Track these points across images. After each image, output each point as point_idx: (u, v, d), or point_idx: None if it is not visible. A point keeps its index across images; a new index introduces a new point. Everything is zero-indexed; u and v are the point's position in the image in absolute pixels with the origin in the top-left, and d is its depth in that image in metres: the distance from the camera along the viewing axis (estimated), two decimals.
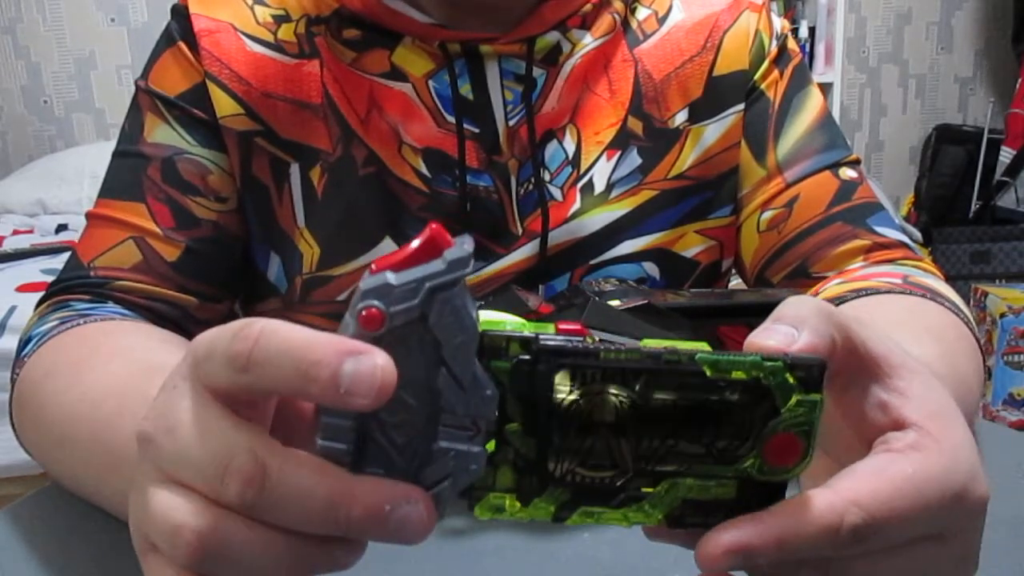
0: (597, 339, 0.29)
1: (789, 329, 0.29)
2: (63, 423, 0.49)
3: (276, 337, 0.26)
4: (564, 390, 0.28)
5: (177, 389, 0.28)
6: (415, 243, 0.27)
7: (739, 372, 0.28)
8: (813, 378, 0.28)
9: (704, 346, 0.29)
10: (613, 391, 0.28)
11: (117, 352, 0.52)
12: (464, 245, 0.27)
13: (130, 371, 0.48)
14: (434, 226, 0.27)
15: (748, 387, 0.28)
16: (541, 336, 0.27)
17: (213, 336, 0.27)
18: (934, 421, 0.30)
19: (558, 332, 0.28)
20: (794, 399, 0.28)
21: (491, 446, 0.28)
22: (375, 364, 0.25)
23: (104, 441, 0.45)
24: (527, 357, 0.27)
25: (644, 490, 0.29)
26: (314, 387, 0.25)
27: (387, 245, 0.66)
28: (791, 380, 0.28)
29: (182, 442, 0.27)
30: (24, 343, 0.59)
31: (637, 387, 0.28)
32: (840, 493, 0.28)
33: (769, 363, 0.28)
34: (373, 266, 0.27)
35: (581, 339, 0.28)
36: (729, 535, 0.28)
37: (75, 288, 0.64)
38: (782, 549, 0.28)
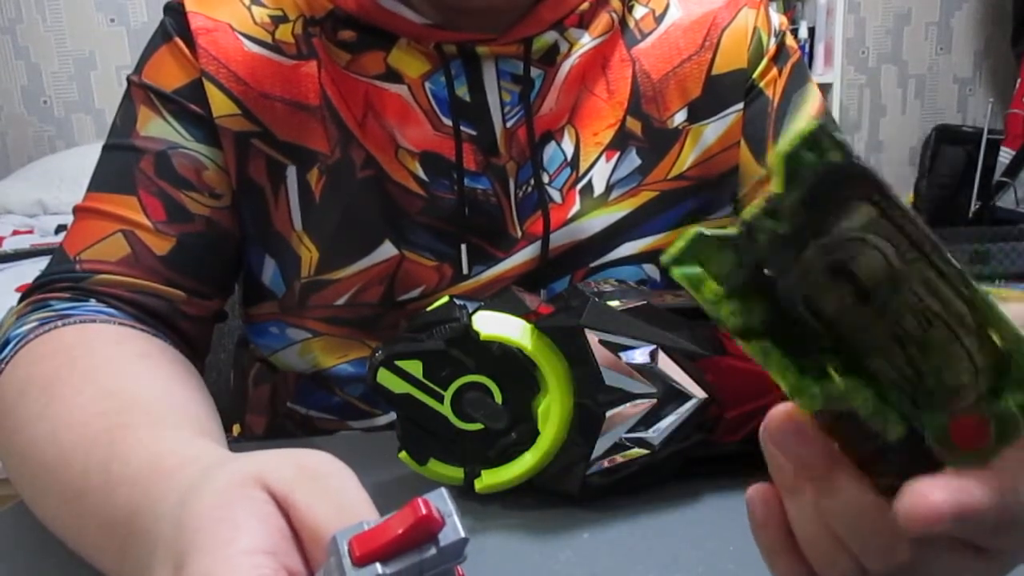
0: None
1: None
2: (32, 462, 0.48)
3: None
4: (852, 223, 0.25)
5: None
6: (402, 522, 0.25)
7: (996, 333, 0.24)
8: None
9: (997, 292, 0.26)
10: (885, 248, 0.25)
11: (88, 375, 0.51)
12: (452, 520, 0.25)
13: (96, 412, 0.47)
14: (421, 502, 0.25)
15: (992, 352, 0.24)
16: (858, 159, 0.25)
17: None
18: None
19: None
20: None
21: (737, 228, 0.26)
22: None
23: (72, 502, 0.44)
24: (842, 163, 0.24)
25: (829, 368, 0.26)
26: None
27: (386, 248, 0.66)
28: None
29: None
30: (3, 345, 0.57)
31: (908, 258, 0.25)
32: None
33: None
34: (355, 548, 0.25)
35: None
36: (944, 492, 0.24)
37: (57, 284, 0.63)
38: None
